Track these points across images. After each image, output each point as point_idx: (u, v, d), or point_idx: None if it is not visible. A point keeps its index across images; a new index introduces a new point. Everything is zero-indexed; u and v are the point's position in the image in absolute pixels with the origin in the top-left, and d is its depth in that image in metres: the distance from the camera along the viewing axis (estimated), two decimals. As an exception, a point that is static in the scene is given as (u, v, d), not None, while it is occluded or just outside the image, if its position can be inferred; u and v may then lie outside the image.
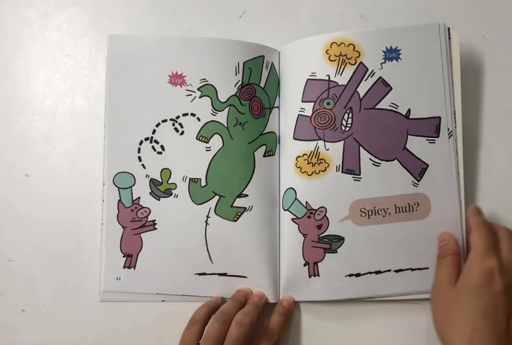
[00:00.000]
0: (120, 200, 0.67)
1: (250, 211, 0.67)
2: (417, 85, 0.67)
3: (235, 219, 0.67)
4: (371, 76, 0.67)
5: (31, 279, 0.69)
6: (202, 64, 0.68)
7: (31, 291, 0.69)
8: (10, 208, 0.71)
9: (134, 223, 0.67)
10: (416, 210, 0.66)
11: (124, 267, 0.67)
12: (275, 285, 0.67)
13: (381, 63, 0.67)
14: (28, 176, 0.72)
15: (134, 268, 0.67)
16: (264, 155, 0.69)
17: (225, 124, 0.68)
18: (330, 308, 0.67)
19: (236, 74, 0.68)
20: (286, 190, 0.68)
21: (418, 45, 0.67)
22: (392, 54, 0.67)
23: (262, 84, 0.69)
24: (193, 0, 0.77)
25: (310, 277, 0.66)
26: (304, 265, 0.66)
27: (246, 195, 0.67)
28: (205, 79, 0.68)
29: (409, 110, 0.67)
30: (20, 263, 0.70)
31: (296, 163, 0.67)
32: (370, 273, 0.65)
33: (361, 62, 0.67)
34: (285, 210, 0.68)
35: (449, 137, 0.66)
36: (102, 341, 0.68)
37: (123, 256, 0.67)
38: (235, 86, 0.68)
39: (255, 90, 0.69)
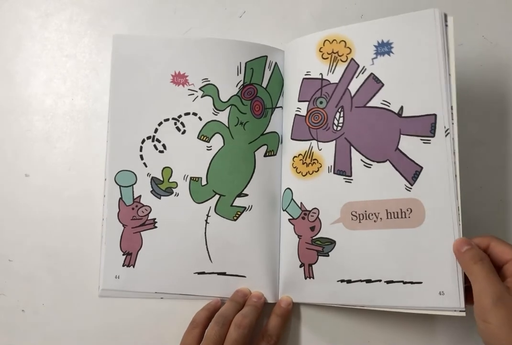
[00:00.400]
0: (121, 198, 0.68)
1: (249, 210, 0.67)
2: (410, 81, 0.62)
3: (235, 218, 0.67)
4: (362, 73, 0.64)
5: (31, 279, 0.69)
6: (204, 64, 0.68)
7: (31, 291, 0.69)
8: (10, 208, 0.71)
9: (135, 221, 0.67)
10: (409, 217, 0.60)
11: (123, 265, 0.67)
12: (274, 285, 0.67)
13: (373, 59, 0.63)
14: (28, 176, 0.72)
15: (133, 267, 0.67)
16: (265, 155, 0.69)
17: (226, 124, 0.68)
18: (329, 308, 0.67)
19: (238, 74, 0.68)
20: (285, 190, 0.68)
21: (411, 37, 0.62)
22: (383, 48, 0.63)
23: (264, 84, 0.69)
24: (193, 0, 0.77)
25: (305, 278, 0.65)
26: (300, 266, 0.65)
27: (246, 195, 0.67)
28: (207, 79, 0.68)
29: (401, 107, 0.62)
30: (20, 263, 0.70)
31: (293, 164, 0.67)
32: (361, 281, 0.62)
33: (352, 59, 0.64)
34: (283, 210, 0.68)
35: (446, 136, 0.60)
36: (102, 341, 0.68)
37: (123, 254, 0.67)
38: (236, 86, 0.68)
39: (257, 90, 0.69)
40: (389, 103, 0.62)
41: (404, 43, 0.62)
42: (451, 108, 0.60)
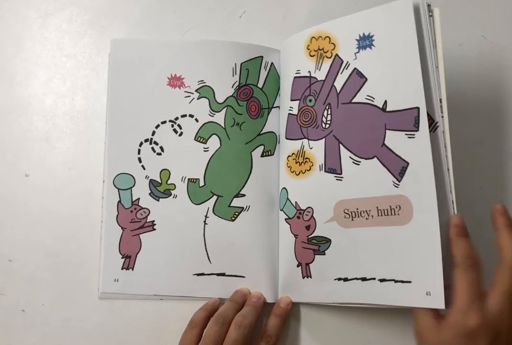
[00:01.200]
0: (120, 201, 0.68)
1: (247, 210, 0.67)
2: (392, 74, 0.59)
3: (233, 218, 0.67)
4: (346, 68, 0.62)
5: (31, 279, 0.69)
6: (200, 66, 0.69)
7: (31, 291, 0.69)
8: (10, 208, 0.71)
9: (133, 224, 0.67)
10: (398, 214, 0.58)
11: (122, 269, 0.67)
12: (273, 285, 0.67)
13: (355, 53, 0.62)
14: (28, 176, 0.72)
15: (133, 269, 0.67)
16: (262, 155, 0.69)
17: (223, 125, 0.68)
18: (329, 308, 0.67)
19: (233, 75, 0.68)
20: (281, 189, 0.68)
21: (390, 28, 0.59)
22: (365, 41, 0.61)
23: (260, 85, 0.70)
24: (193, 0, 0.77)
25: (303, 278, 0.65)
26: (297, 266, 0.65)
27: (243, 195, 0.68)
28: (203, 80, 0.68)
29: (385, 102, 0.59)
30: (20, 263, 0.70)
31: (287, 163, 0.67)
32: (357, 279, 0.60)
33: (336, 55, 0.63)
34: (280, 210, 0.68)
35: (434, 131, 0.57)
36: (101, 341, 0.68)
37: (122, 257, 0.67)
38: (232, 87, 0.68)
39: (253, 90, 0.69)
40: (374, 98, 0.60)
41: (384, 35, 0.60)
42: (440, 101, 0.58)
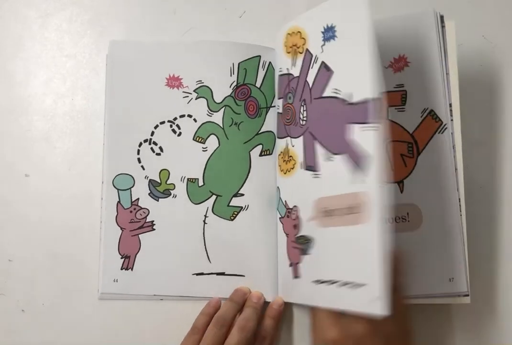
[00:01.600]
0: (119, 202, 0.68)
1: (246, 210, 0.68)
2: (354, 65, 0.54)
3: (232, 218, 0.67)
4: (316, 62, 0.60)
5: (31, 279, 0.69)
6: (198, 66, 0.69)
7: (31, 291, 0.69)
8: (10, 208, 0.71)
9: (133, 224, 0.67)
10: (358, 213, 0.52)
11: (121, 269, 0.67)
12: (273, 284, 0.67)
13: (322, 46, 0.59)
14: (28, 176, 0.72)
15: (132, 270, 0.67)
16: (261, 155, 0.69)
17: (221, 125, 0.68)
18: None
19: (231, 75, 0.69)
20: (277, 189, 0.68)
21: (348, 18, 0.55)
22: (329, 33, 0.58)
23: (258, 84, 0.70)
24: (193, 0, 0.76)
25: (294, 278, 0.63)
26: (290, 266, 0.64)
27: (242, 194, 0.68)
28: (201, 81, 0.69)
29: (349, 94, 0.55)
30: (20, 263, 0.70)
31: (278, 162, 0.68)
32: (329, 281, 0.55)
33: (307, 49, 0.62)
34: (276, 209, 0.68)
35: (442, 132, 0.60)
36: (102, 341, 0.68)
37: (121, 258, 0.67)
38: (230, 87, 0.69)
39: (251, 90, 0.69)
40: (340, 91, 0.56)
41: (343, 25, 0.56)
42: (450, 106, 0.61)
